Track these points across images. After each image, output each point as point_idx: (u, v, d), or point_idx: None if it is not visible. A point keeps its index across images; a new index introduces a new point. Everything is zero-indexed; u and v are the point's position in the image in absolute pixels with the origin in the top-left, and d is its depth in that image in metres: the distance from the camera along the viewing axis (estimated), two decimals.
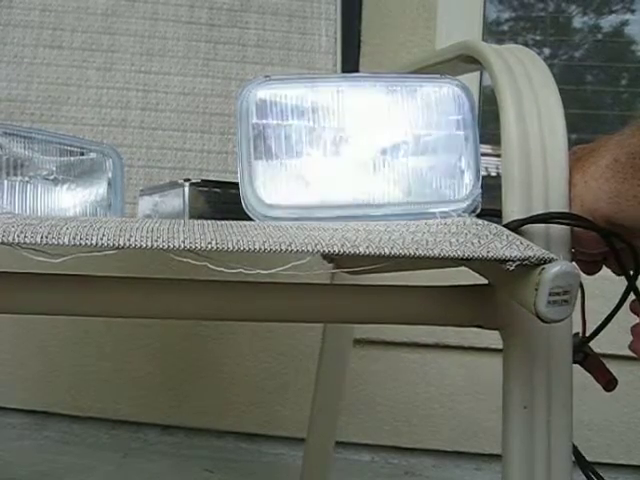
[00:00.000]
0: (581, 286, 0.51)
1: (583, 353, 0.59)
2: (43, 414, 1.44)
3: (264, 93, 0.56)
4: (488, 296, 0.55)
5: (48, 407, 1.44)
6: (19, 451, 1.32)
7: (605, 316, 0.58)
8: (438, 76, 0.59)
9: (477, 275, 0.54)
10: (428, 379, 1.39)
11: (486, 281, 0.54)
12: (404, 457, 1.39)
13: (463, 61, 0.67)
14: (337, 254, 0.45)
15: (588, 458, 0.61)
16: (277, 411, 1.40)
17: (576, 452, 0.58)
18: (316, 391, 1.07)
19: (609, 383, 0.59)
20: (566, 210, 0.54)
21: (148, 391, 1.43)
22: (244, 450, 1.40)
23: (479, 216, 0.57)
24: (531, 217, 0.53)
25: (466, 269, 0.54)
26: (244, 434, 1.41)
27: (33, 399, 1.44)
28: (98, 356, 1.43)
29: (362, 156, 0.57)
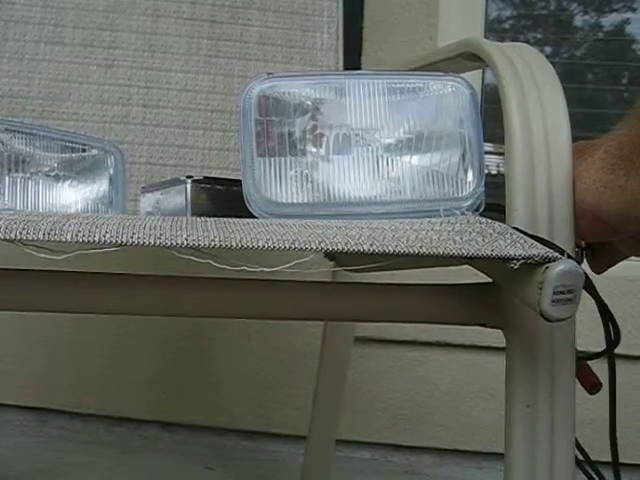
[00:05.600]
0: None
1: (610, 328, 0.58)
2: (43, 411, 1.43)
3: (266, 90, 0.56)
4: (491, 295, 0.55)
5: (48, 404, 1.43)
6: (19, 448, 1.32)
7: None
8: (442, 74, 0.59)
9: (480, 273, 0.54)
10: (429, 377, 1.39)
11: (489, 280, 0.54)
12: (404, 455, 1.38)
13: (466, 59, 0.67)
14: (341, 252, 0.45)
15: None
16: (278, 409, 1.40)
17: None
18: (317, 389, 1.07)
19: (594, 386, 0.59)
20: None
21: (148, 388, 1.43)
22: (244, 447, 1.40)
23: (482, 212, 0.57)
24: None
25: (469, 267, 0.54)
26: (244, 431, 1.41)
27: (33, 396, 1.44)
28: (98, 353, 1.43)
29: (365, 154, 0.57)
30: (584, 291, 0.49)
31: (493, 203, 0.58)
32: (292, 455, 1.34)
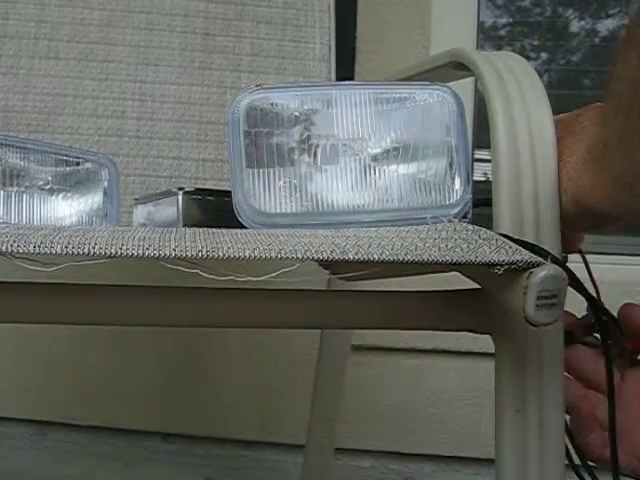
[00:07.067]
0: (582, 254, 0.51)
1: (603, 322, 0.57)
2: (43, 423, 1.44)
3: (255, 102, 0.57)
4: (479, 301, 0.55)
5: (48, 416, 1.44)
6: (19, 460, 1.32)
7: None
8: (428, 83, 0.60)
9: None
10: (426, 384, 1.39)
11: (478, 286, 0.55)
12: (404, 463, 1.38)
13: (454, 68, 0.68)
14: (326, 260, 0.45)
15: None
16: (277, 418, 1.40)
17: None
18: (315, 397, 1.07)
19: None
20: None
21: (148, 399, 1.43)
22: (244, 457, 1.40)
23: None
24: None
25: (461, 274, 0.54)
26: (244, 441, 1.41)
27: (33, 408, 1.44)
28: (97, 365, 1.43)
29: (353, 163, 0.57)
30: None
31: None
32: (292, 464, 1.34)
